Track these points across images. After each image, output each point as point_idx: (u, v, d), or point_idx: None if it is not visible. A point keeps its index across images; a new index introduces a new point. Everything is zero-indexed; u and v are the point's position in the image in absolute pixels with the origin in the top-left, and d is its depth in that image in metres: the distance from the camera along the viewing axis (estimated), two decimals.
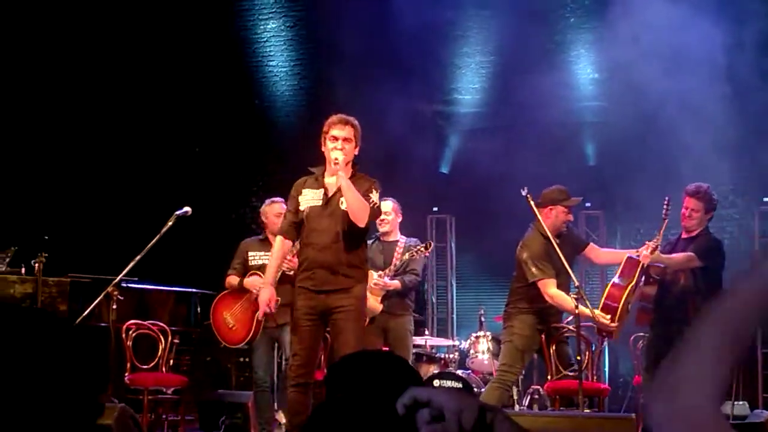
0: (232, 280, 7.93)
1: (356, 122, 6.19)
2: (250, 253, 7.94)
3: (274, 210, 7.90)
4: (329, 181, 6.16)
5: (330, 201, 6.12)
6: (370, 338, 7.14)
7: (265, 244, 7.88)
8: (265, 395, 7.82)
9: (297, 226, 6.28)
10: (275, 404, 7.95)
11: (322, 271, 6.07)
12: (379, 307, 7.78)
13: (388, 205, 7.86)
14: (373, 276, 7.57)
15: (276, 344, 7.91)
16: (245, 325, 7.73)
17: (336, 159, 5.98)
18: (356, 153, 6.20)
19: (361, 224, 6.03)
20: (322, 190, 6.15)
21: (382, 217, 7.70)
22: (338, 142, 6.05)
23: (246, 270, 7.91)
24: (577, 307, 6.96)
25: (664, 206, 7.17)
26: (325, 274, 6.07)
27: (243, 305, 7.80)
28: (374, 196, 6.14)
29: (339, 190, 6.08)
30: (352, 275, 6.12)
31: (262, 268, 7.77)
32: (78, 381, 1.50)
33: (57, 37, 11.08)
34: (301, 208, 6.20)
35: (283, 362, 7.82)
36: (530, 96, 10.51)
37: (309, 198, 6.20)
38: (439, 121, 11.84)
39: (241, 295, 7.83)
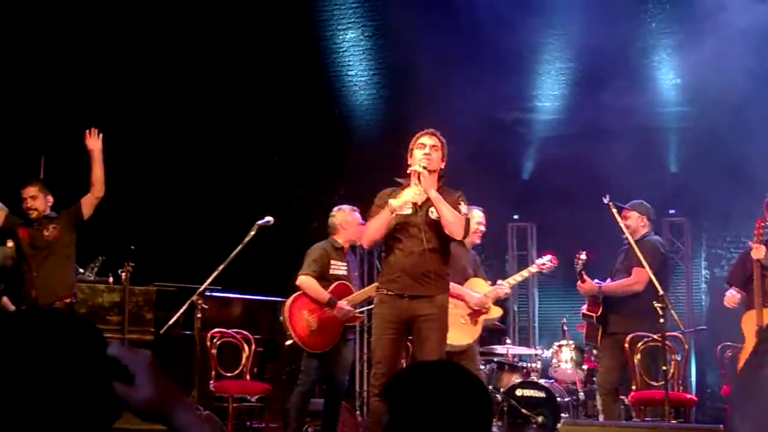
0: (310, 281, 7.71)
1: (443, 138, 6.26)
2: (332, 262, 7.86)
3: (352, 217, 7.90)
4: (418, 193, 6.14)
5: (420, 209, 6.11)
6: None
7: (342, 254, 7.88)
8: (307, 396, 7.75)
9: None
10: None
11: (407, 276, 6.07)
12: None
13: (479, 215, 7.84)
14: (485, 285, 7.78)
15: (334, 354, 7.80)
16: (332, 332, 7.68)
17: (423, 166, 6.05)
18: (443, 166, 6.21)
19: (458, 237, 6.07)
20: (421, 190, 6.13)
21: (480, 227, 7.78)
22: (426, 148, 6.12)
23: (325, 277, 7.81)
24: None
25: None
26: (409, 281, 6.07)
27: (328, 312, 7.71)
28: (463, 208, 6.14)
29: (428, 200, 6.09)
30: (436, 284, 6.11)
31: (340, 278, 7.80)
32: (95, 385, 1.53)
33: (142, 50, 11.28)
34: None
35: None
36: (611, 102, 10.40)
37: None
38: (520, 128, 11.77)
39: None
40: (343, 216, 7.90)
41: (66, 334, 1.54)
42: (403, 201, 6.01)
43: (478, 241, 7.99)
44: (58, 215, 7.65)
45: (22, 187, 7.65)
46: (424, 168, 6.06)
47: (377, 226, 6.14)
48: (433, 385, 2.20)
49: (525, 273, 8.27)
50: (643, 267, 7.25)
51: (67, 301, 7.57)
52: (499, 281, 7.92)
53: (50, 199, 7.70)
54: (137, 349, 1.62)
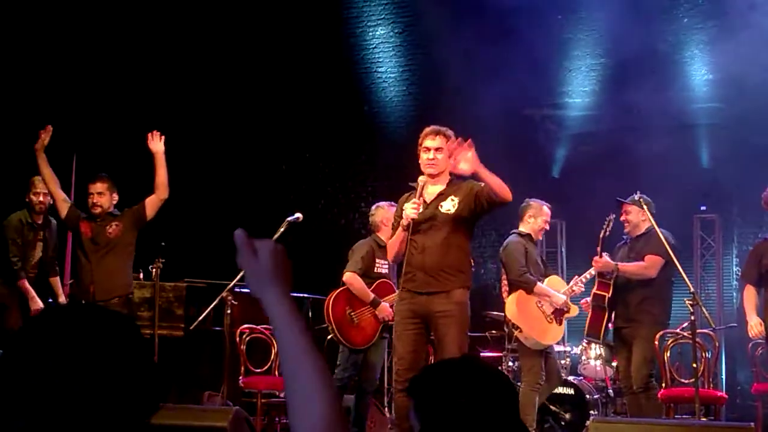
0: (356, 279, 7.69)
1: (450, 132, 6.19)
2: (377, 260, 7.82)
3: (391, 213, 7.91)
4: (429, 191, 6.21)
5: (429, 206, 6.16)
6: None
7: (384, 252, 7.87)
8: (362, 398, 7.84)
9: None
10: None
11: (422, 273, 6.10)
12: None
13: (547, 211, 7.94)
14: (562, 283, 7.93)
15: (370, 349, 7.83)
16: (372, 329, 7.70)
17: (423, 180, 6.12)
18: (452, 162, 6.15)
19: (509, 197, 6.00)
20: (420, 200, 6.15)
21: (546, 225, 7.97)
22: (430, 153, 6.14)
23: (368, 275, 7.79)
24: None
25: None
26: (425, 277, 6.10)
27: (371, 309, 7.73)
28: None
29: (438, 196, 6.16)
30: (454, 279, 6.13)
31: (383, 276, 7.82)
32: (136, 380, 1.56)
33: (174, 49, 11.34)
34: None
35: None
36: (642, 98, 10.34)
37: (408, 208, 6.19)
38: (550, 124, 11.73)
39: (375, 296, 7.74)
40: (383, 213, 7.88)
41: (108, 331, 1.57)
42: (406, 216, 6.04)
43: (541, 237, 8.14)
44: (121, 213, 7.73)
45: (90, 182, 7.73)
46: (430, 175, 6.14)
47: (396, 244, 6.24)
48: (457, 381, 2.20)
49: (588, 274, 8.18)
50: (656, 254, 7.36)
51: (124, 297, 7.65)
52: (576, 277, 7.93)
53: (115, 197, 7.77)
54: (265, 241, 1.82)
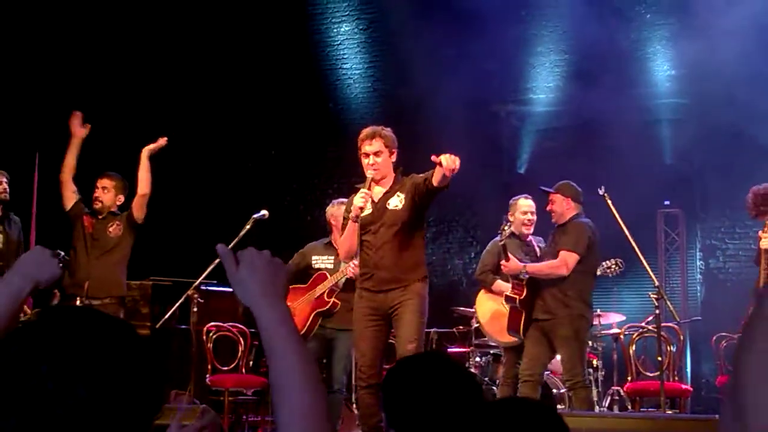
0: None
1: (386, 131, 6.28)
2: (313, 257, 7.90)
3: (341, 211, 7.90)
4: (375, 191, 6.26)
5: (377, 206, 6.22)
6: None
7: (329, 248, 7.87)
8: None
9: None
10: None
11: (379, 271, 6.16)
12: None
13: (527, 204, 7.84)
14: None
15: (330, 345, 7.75)
16: (301, 320, 7.64)
17: (371, 176, 6.13)
18: (393, 160, 6.29)
19: (445, 183, 5.88)
20: (370, 191, 6.19)
21: (530, 217, 7.75)
22: (370, 158, 6.19)
23: (306, 273, 7.84)
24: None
25: None
26: (382, 274, 6.16)
27: (305, 300, 7.73)
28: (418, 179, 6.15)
29: (385, 194, 6.22)
30: (410, 272, 6.18)
31: (322, 270, 7.81)
32: (141, 383, 1.56)
33: (136, 44, 11.27)
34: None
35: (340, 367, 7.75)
36: (606, 94, 10.40)
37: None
38: (515, 120, 11.77)
39: (307, 290, 7.78)
40: (332, 210, 7.94)
41: (103, 334, 1.56)
42: (355, 208, 6.07)
43: (527, 231, 7.78)
44: (121, 214, 7.71)
45: (98, 177, 7.72)
46: (373, 180, 6.17)
47: (347, 239, 6.33)
48: (424, 377, 2.22)
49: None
50: (570, 250, 7.12)
51: (118, 299, 7.59)
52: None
53: (121, 198, 7.75)
54: (251, 250, 1.87)
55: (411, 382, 2.28)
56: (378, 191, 6.28)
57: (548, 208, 7.48)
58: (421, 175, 6.13)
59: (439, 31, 10.59)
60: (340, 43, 12.28)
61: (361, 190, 6.11)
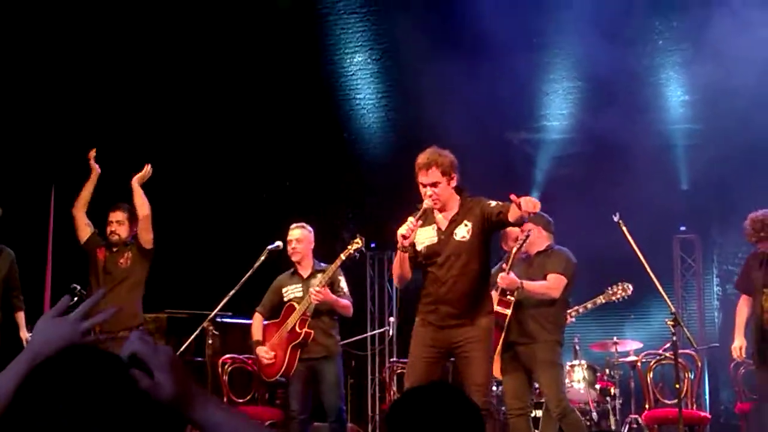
0: (256, 321, 7.83)
1: (441, 157, 5.97)
2: (283, 290, 7.80)
3: (294, 235, 7.82)
4: (439, 218, 6.08)
5: (443, 235, 6.03)
6: None
7: (295, 277, 7.79)
8: (294, 427, 7.57)
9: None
10: None
11: (444, 306, 5.96)
12: None
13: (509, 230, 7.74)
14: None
15: (316, 377, 7.64)
16: (279, 360, 7.60)
17: (427, 206, 5.92)
18: (453, 185, 6.02)
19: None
20: (434, 226, 6.05)
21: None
22: (427, 189, 5.93)
23: (277, 306, 7.77)
24: None
25: None
26: (447, 309, 5.96)
27: (279, 336, 7.66)
28: (492, 204, 5.96)
29: (451, 223, 6.00)
30: (476, 307, 5.98)
31: (291, 301, 7.72)
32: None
33: (150, 73, 11.33)
34: (418, 248, 6.02)
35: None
36: (620, 121, 10.39)
37: (423, 237, 6.04)
38: (528, 148, 11.77)
39: (279, 325, 7.70)
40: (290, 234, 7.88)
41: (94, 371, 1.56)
42: (399, 237, 5.79)
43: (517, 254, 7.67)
44: (131, 244, 7.71)
45: (110, 210, 7.72)
46: (432, 210, 6.01)
47: (397, 268, 6.09)
48: (428, 408, 2.21)
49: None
50: (561, 274, 7.00)
51: (132, 329, 7.55)
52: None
53: (134, 228, 7.73)
54: (157, 346, 1.67)
55: (416, 414, 2.26)
56: (442, 218, 6.06)
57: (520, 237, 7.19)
58: (492, 203, 5.91)
59: (451, 59, 10.62)
60: (353, 74, 12.31)
61: (409, 219, 5.83)
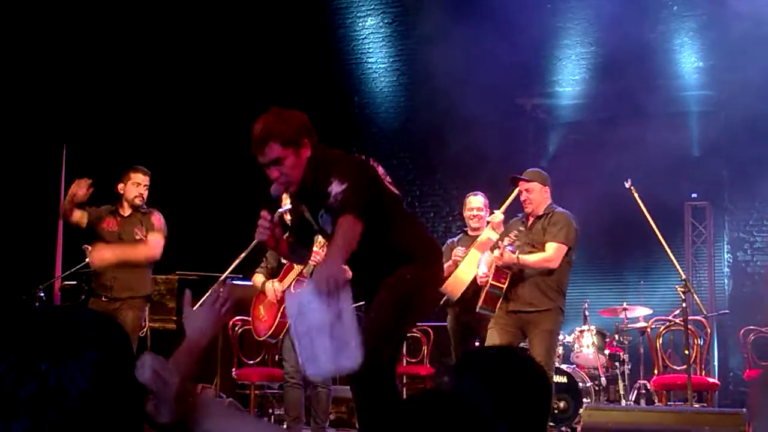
0: (257, 279, 7.76)
1: (279, 124, 4.77)
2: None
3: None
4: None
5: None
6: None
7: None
8: (294, 391, 7.40)
9: None
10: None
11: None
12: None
13: (479, 200, 7.77)
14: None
15: None
16: (270, 317, 7.59)
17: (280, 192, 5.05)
18: (308, 153, 4.75)
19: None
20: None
21: (475, 213, 7.66)
22: (271, 170, 4.74)
23: (278, 268, 7.70)
24: None
25: None
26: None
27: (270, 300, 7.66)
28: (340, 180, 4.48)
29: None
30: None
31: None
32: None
33: (162, 41, 11.31)
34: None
35: None
36: (632, 87, 10.34)
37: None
38: (540, 113, 11.73)
39: (279, 281, 7.66)
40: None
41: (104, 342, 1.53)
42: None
43: (475, 226, 7.63)
44: (146, 216, 7.64)
45: (142, 173, 7.65)
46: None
47: None
48: (432, 417, 2.17)
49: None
50: (562, 242, 6.80)
51: (143, 298, 7.57)
52: None
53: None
54: (166, 379, 1.78)
55: (420, 422, 2.21)
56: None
57: (523, 198, 7.07)
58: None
59: (464, 24, 10.56)
60: (365, 38, 12.27)
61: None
